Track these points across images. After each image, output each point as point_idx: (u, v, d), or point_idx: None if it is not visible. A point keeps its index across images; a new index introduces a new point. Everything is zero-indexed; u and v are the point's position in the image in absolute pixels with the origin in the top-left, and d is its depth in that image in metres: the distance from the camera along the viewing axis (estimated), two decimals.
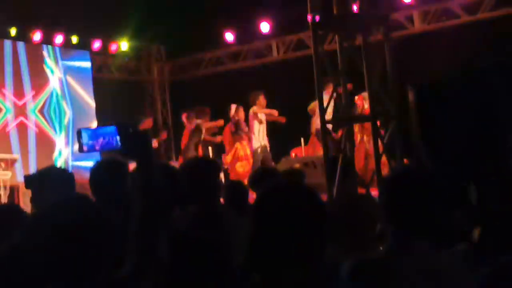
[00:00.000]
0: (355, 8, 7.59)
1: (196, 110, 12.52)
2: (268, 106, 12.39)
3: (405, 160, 7.14)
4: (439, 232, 2.55)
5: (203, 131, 12.28)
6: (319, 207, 2.19)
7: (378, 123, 7.64)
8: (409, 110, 6.05)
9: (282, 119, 12.29)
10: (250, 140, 12.11)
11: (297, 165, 10.57)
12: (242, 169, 11.75)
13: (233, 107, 12.28)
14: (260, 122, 12.02)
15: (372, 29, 7.30)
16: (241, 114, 12.27)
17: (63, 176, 3.80)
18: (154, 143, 12.75)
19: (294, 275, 2.08)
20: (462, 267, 2.55)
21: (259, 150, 11.89)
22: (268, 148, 12.14)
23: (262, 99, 12.08)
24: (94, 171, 3.91)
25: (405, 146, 6.90)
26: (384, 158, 7.40)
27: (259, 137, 11.97)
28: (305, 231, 2.10)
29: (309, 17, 7.30)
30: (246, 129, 12.19)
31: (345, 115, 7.32)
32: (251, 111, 12.09)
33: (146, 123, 12.70)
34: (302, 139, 12.50)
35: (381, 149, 7.28)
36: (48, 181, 3.64)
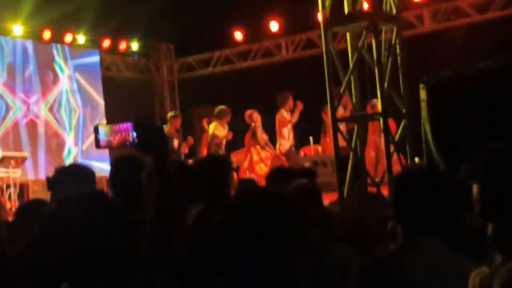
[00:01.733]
0: (366, 6, 7.58)
1: (217, 111, 12.45)
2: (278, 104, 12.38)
3: (416, 159, 7.12)
4: (449, 232, 2.54)
5: (223, 146, 12.19)
6: (291, 215, 2.09)
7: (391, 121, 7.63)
8: (420, 108, 6.04)
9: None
10: (277, 141, 12.13)
11: (306, 164, 10.58)
12: (261, 171, 11.77)
13: (247, 113, 12.22)
14: (289, 124, 11.99)
15: (383, 28, 7.27)
16: (255, 118, 12.22)
17: (84, 173, 3.78)
18: (184, 148, 12.69)
19: (258, 280, 2.03)
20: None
21: (292, 149, 11.91)
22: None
23: (290, 101, 12.03)
24: (114, 167, 3.90)
25: (417, 145, 6.89)
26: (395, 157, 7.38)
27: (289, 139, 11.97)
28: (272, 239, 2.02)
29: (320, 15, 7.29)
30: (262, 135, 12.14)
31: (356, 114, 7.30)
32: (279, 114, 12.02)
33: (174, 123, 12.64)
34: (311, 138, 12.50)
35: (392, 148, 7.26)
36: (69, 178, 3.63)
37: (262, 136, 12.17)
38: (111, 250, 2.32)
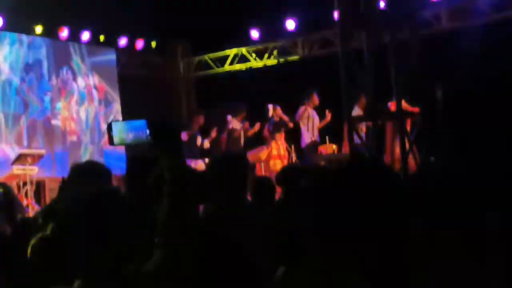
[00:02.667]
0: (382, 5, 7.55)
1: (233, 109, 12.43)
2: (294, 104, 12.38)
3: (431, 158, 7.08)
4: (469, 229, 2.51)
5: (241, 140, 12.20)
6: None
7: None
8: (436, 108, 6.01)
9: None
10: (301, 135, 12.14)
11: (322, 163, 10.56)
12: (275, 167, 11.81)
13: (270, 107, 12.27)
14: (311, 119, 12.02)
15: (400, 27, 7.23)
16: (279, 112, 12.29)
17: (100, 171, 3.79)
18: (206, 144, 12.67)
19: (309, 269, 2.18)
20: None
21: (311, 145, 11.94)
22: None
23: (314, 98, 12.08)
24: (129, 165, 3.92)
25: (432, 144, 6.86)
26: (410, 157, 7.35)
27: (311, 133, 12.00)
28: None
29: (336, 14, 7.27)
30: (290, 123, 12.24)
31: (371, 113, 7.27)
32: (303, 108, 12.07)
33: (197, 121, 12.63)
34: (327, 137, 12.47)
35: (407, 147, 7.23)
36: (85, 176, 3.64)
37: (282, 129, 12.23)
38: (124, 247, 2.32)
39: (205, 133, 12.81)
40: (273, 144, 12.16)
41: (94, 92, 14.45)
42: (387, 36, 7.24)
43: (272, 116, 12.29)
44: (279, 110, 12.32)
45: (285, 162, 12.06)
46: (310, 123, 12.05)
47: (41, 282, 2.93)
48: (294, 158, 12.76)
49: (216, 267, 2.87)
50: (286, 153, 12.26)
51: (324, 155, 11.98)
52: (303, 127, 12.10)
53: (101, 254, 2.26)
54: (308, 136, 12.04)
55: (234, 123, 12.32)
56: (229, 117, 12.61)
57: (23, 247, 3.16)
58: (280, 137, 12.24)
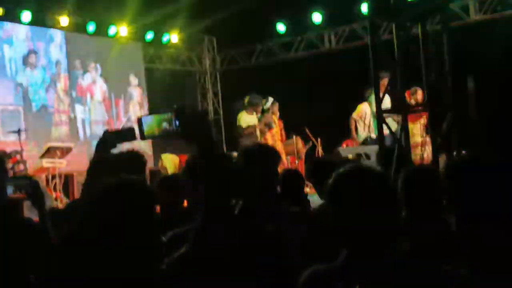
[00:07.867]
0: None
1: (246, 100, 12.21)
2: (321, 97, 12.31)
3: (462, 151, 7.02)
4: (506, 220, 2.48)
5: (258, 136, 11.97)
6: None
7: None
8: (468, 100, 5.93)
9: None
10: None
11: (350, 156, 10.50)
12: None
13: (270, 100, 12.06)
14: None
15: (429, 18, 7.16)
16: (275, 108, 12.09)
17: (136, 160, 3.80)
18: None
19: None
20: None
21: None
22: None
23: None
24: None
25: (463, 137, 6.80)
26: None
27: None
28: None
29: (365, 6, 7.21)
30: (274, 125, 12.01)
31: (401, 105, 7.19)
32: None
33: (272, 109, 12.48)
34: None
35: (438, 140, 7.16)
36: (122, 165, 3.64)
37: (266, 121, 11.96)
38: (149, 233, 2.29)
39: None
40: (268, 136, 11.90)
41: (121, 86, 14.51)
42: (416, 28, 7.17)
43: (269, 109, 12.05)
44: (275, 107, 12.07)
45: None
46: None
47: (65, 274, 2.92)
48: (320, 152, 12.72)
49: (248, 257, 2.86)
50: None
51: (351, 148, 11.91)
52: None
53: (122, 252, 2.24)
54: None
55: (243, 120, 12.07)
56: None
57: (49, 236, 3.16)
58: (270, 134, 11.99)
